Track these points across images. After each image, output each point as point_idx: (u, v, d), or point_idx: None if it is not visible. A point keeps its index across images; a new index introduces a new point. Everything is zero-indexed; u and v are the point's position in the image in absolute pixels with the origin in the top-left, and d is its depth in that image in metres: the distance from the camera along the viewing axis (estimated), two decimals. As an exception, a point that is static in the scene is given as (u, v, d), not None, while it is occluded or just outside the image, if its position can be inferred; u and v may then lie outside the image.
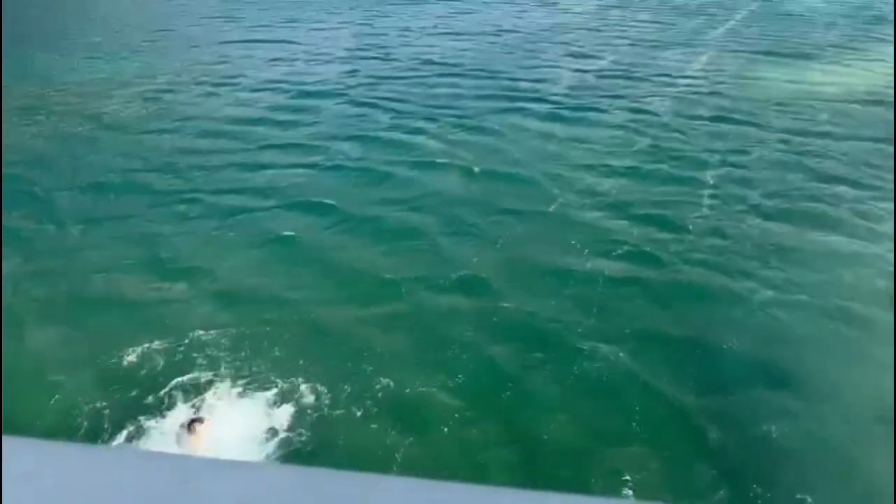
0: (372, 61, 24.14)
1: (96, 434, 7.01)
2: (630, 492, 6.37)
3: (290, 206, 12.49)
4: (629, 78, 21.40)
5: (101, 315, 9.16)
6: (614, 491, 6.39)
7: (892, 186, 12.85)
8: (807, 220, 11.65)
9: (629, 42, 27.07)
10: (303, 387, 7.65)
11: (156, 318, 8.98)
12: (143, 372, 7.94)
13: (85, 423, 7.19)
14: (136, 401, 7.48)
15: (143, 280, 10.03)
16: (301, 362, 8.08)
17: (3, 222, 11.65)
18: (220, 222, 11.89)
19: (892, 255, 10.29)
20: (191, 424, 6.82)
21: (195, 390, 7.61)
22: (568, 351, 8.30)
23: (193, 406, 7.35)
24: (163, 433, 6.98)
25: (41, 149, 15.57)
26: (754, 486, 6.48)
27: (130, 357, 8.16)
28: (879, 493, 6.35)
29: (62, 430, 7.08)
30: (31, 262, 10.60)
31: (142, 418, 7.19)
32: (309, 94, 19.90)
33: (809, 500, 6.28)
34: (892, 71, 21.02)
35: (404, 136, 16.06)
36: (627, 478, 6.52)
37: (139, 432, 7.02)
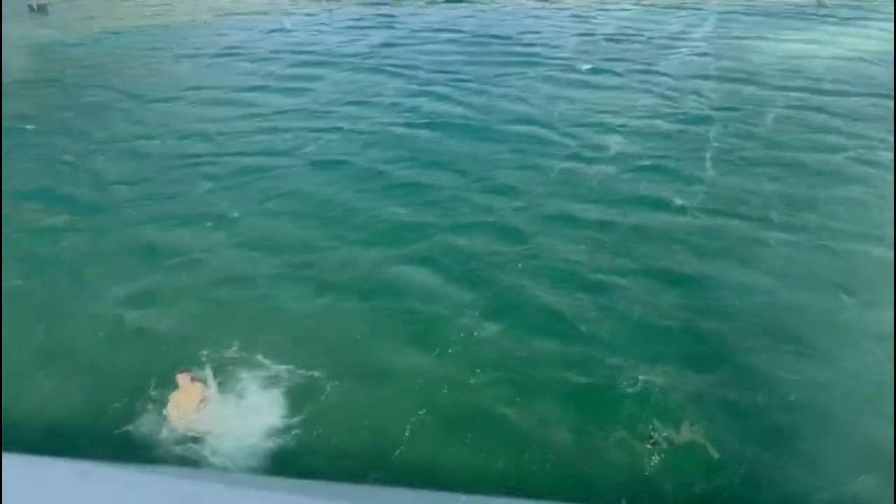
0: (377, 28, 24.27)
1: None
2: (652, 411, 6.79)
3: (309, 164, 12.88)
4: (636, 39, 21.64)
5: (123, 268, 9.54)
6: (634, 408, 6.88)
7: (892, 139, 13.24)
8: (810, 169, 12.12)
9: (635, 3, 27.17)
10: (317, 338, 7.81)
11: (179, 270, 9.41)
12: (163, 324, 8.24)
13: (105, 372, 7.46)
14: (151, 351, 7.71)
15: (168, 233, 10.47)
16: (321, 312, 8.40)
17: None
18: (242, 180, 12.28)
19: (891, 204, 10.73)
20: (177, 378, 6.84)
21: (204, 343, 7.76)
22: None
23: (196, 361, 7.44)
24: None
25: (64, 117, 15.91)
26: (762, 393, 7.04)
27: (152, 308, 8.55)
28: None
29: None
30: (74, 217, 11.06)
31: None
32: (320, 59, 20.15)
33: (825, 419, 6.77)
34: (892, 28, 21.27)
35: (415, 99, 16.39)
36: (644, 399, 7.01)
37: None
